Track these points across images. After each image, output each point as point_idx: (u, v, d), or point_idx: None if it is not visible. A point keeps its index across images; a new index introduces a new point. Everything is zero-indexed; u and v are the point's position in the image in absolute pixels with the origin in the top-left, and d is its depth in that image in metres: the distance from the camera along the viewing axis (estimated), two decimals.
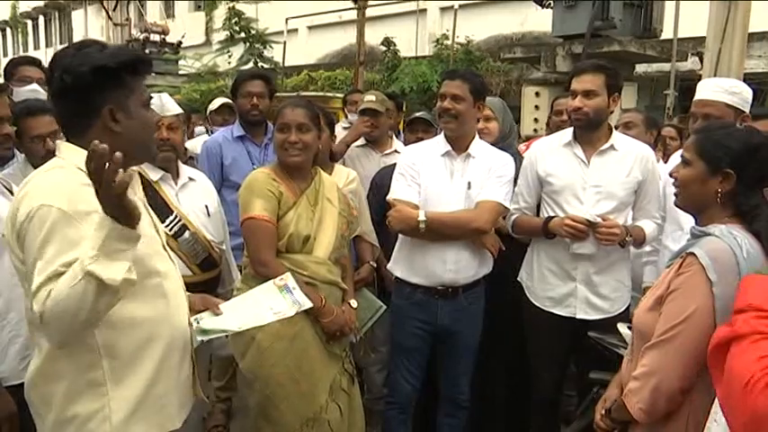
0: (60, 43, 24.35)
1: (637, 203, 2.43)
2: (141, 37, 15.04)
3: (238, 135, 3.20)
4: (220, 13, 14.49)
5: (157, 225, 1.59)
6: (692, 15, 5.94)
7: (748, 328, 1.10)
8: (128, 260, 1.28)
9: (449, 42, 10.29)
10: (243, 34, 12.75)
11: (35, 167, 2.16)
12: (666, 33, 6.32)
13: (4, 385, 1.84)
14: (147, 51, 14.55)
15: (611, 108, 2.37)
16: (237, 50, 12.97)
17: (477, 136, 2.49)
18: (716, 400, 1.19)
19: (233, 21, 12.76)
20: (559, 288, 2.42)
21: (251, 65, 12.22)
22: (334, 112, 5.36)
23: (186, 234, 2.33)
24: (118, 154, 1.20)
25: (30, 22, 27.27)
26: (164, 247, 1.56)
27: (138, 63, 1.46)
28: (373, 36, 10.73)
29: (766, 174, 1.47)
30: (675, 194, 1.61)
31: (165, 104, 2.43)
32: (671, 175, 1.61)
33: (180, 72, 15.09)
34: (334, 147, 3.26)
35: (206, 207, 2.48)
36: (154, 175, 2.34)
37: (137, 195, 1.55)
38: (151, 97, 1.61)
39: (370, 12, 9.96)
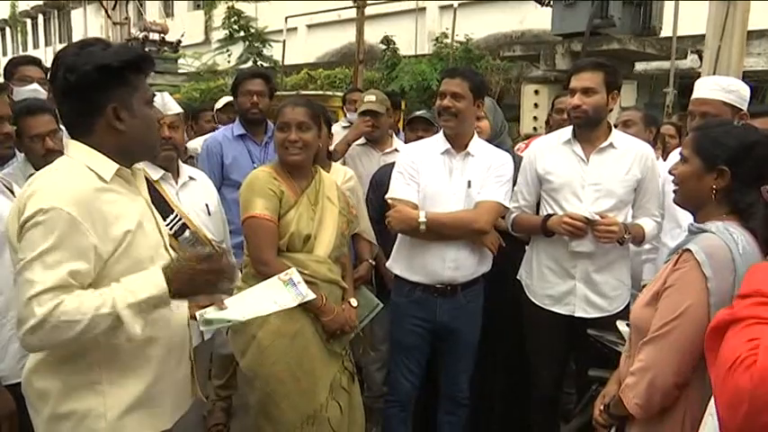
0: (60, 42, 24.34)
1: (636, 201, 2.43)
2: (140, 36, 15.01)
3: (239, 134, 3.21)
4: (220, 11, 14.47)
5: (161, 226, 1.59)
6: (692, 13, 5.93)
7: (746, 313, 1.11)
8: (146, 320, 1.38)
9: (448, 41, 10.27)
10: (242, 33, 12.74)
11: (35, 167, 2.19)
12: (666, 31, 6.33)
13: (4, 384, 1.84)
14: (146, 50, 14.56)
15: (610, 106, 2.37)
16: (237, 49, 12.96)
17: (475, 134, 2.49)
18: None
19: (232, 19, 12.75)
20: (558, 286, 2.42)
21: (250, 64, 12.21)
22: (333, 110, 5.37)
23: (187, 233, 2.33)
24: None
25: (29, 21, 27.24)
26: (166, 248, 1.57)
27: (142, 61, 1.47)
28: (373, 34, 10.71)
29: (763, 172, 1.47)
30: (674, 191, 1.62)
31: (167, 103, 2.44)
32: (670, 173, 1.62)
33: (179, 71, 15.07)
34: (336, 146, 3.26)
35: (206, 206, 2.49)
36: (154, 174, 2.35)
37: (142, 195, 1.56)
38: (154, 95, 1.62)
39: (369, 10, 9.96)
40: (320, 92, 9.32)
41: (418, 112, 3.27)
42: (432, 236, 2.35)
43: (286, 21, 12.01)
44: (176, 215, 2.33)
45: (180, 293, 1.41)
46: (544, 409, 2.60)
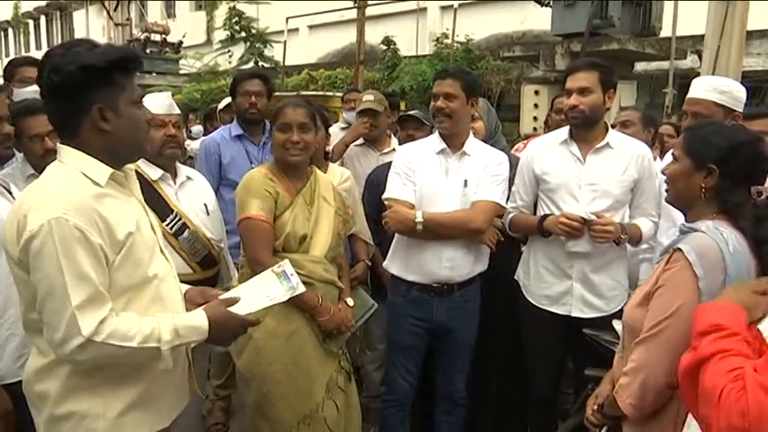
0: None
1: (633, 201, 2.43)
2: (142, 37, 15.09)
3: (237, 134, 3.22)
4: (221, 12, 14.49)
5: (154, 225, 1.60)
6: (691, 13, 5.92)
7: (712, 349, 1.13)
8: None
9: (449, 41, 10.29)
10: (243, 34, 12.76)
11: (33, 166, 2.20)
12: (665, 31, 6.33)
13: (1, 383, 1.85)
14: (148, 51, 14.61)
15: (606, 105, 2.37)
16: (238, 50, 13.00)
17: (471, 134, 2.50)
18: None
19: (234, 20, 12.78)
20: (555, 286, 2.42)
21: (252, 64, 12.23)
22: (334, 111, 5.38)
23: (186, 233, 2.35)
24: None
25: (31, 23, 27.30)
26: (160, 248, 1.57)
27: (128, 61, 1.44)
28: (373, 35, 10.73)
29: (752, 171, 1.48)
30: (666, 191, 1.63)
31: (172, 104, 2.46)
32: (662, 172, 1.63)
33: (181, 72, 15.12)
34: (334, 146, 3.27)
35: (205, 205, 2.50)
36: (153, 174, 2.36)
37: (134, 195, 1.56)
38: (143, 95, 1.61)
39: (370, 11, 9.98)
40: (320, 92, 9.34)
41: (410, 112, 3.29)
42: (429, 236, 2.35)
43: (287, 21, 12.04)
44: (176, 215, 2.35)
45: (211, 340, 1.53)
46: (542, 408, 2.60)
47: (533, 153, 2.51)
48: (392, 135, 3.55)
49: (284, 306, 2.12)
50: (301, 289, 1.76)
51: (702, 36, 4.32)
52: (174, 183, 2.44)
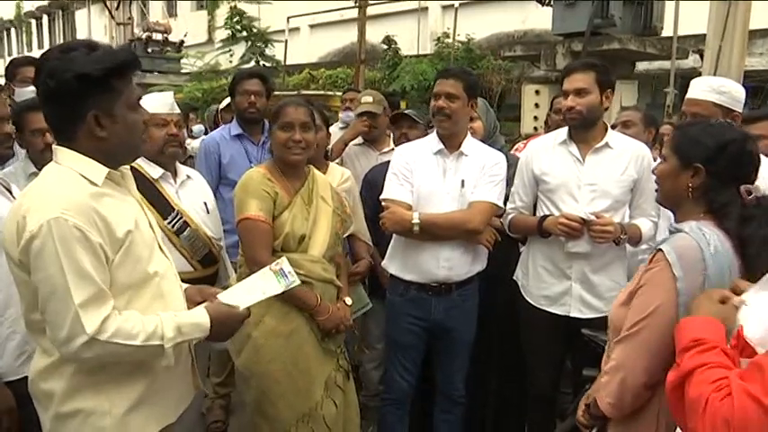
0: None
1: (633, 202, 2.43)
2: (144, 36, 15.08)
3: (236, 133, 3.23)
4: (222, 11, 14.47)
5: (152, 223, 1.60)
6: (693, 13, 5.91)
7: (694, 363, 1.15)
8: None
9: (450, 41, 10.28)
10: (245, 33, 12.75)
11: (34, 162, 2.21)
12: (667, 31, 6.31)
13: (3, 381, 1.86)
14: (149, 50, 14.61)
15: (604, 105, 2.37)
16: (239, 49, 12.97)
17: (468, 134, 2.50)
18: None
19: (235, 20, 12.76)
20: (554, 287, 2.42)
21: (253, 63, 12.23)
22: (335, 110, 5.39)
23: (187, 231, 2.36)
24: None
25: (34, 22, 27.33)
26: (159, 245, 1.58)
27: (125, 67, 1.43)
28: (374, 34, 10.72)
29: (739, 171, 1.46)
30: (656, 190, 1.62)
31: (174, 103, 2.47)
32: (653, 172, 1.62)
33: (182, 71, 15.11)
34: (333, 145, 3.27)
35: (204, 204, 2.52)
36: (154, 173, 2.37)
37: (131, 193, 1.57)
38: (141, 96, 1.60)
39: (371, 10, 9.97)
40: (321, 92, 9.34)
41: (404, 110, 3.29)
42: (426, 236, 2.36)
43: (288, 21, 12.04)
44: (177, 213, 2.36)
45: (211, 337, 1.54)
46: (541, 408, 2.60)
47: (532, 154, 2.51)
48: (391, 135, 3.56)
49: (283, 305, 2.14)
50: (297, 282, 1.78)
51: (704, 35, 4.30)
52: (175, 182, 2.46)
